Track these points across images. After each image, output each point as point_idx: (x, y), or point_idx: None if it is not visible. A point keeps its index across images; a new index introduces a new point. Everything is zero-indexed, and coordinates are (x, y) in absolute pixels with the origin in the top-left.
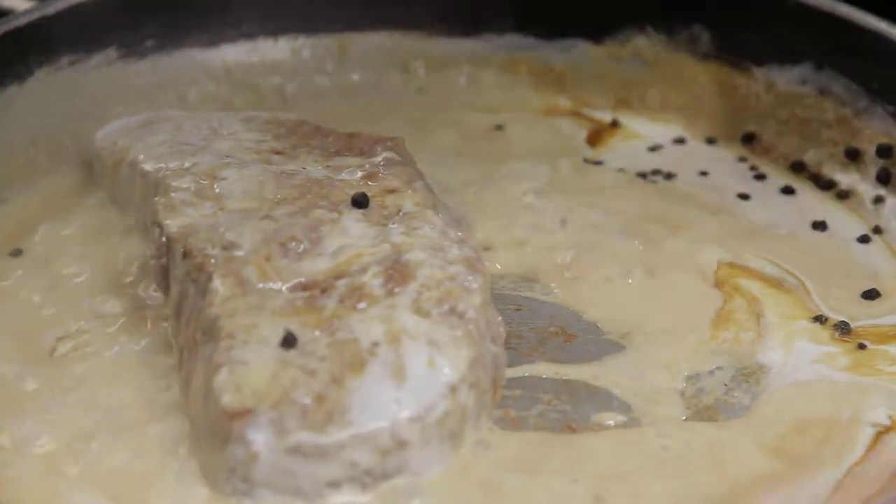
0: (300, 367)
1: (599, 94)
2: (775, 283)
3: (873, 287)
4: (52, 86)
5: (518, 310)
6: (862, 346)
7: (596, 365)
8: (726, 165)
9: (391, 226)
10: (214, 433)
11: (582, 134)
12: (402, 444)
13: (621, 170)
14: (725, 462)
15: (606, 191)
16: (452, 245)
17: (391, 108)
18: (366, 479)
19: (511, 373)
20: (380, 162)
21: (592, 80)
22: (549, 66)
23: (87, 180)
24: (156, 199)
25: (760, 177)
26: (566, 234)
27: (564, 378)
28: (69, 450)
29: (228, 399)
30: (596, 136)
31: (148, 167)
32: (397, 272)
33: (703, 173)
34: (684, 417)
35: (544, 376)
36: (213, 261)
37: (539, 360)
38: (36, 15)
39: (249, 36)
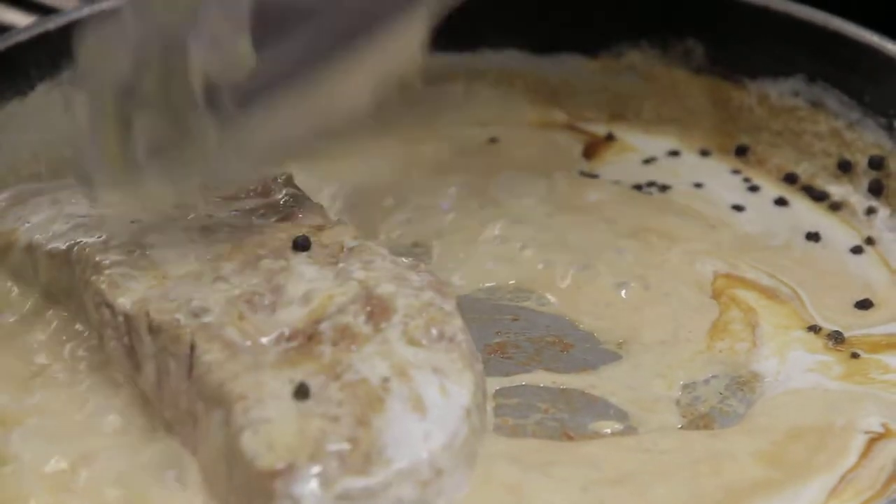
0: (322, 416)
1: (594, 108)
2: (771, 294)
3: (866, 297)
4: (54, 100)
5: (515, 320)
6: (855, 356)
7: (593, 374)
8: (720, 177)
9: (341, 264)
10: (251, 497)
11: (578, 147)
12: (438, 473)
13: (616, 182)
14: (721, 469)
15: (602, 203)
16: (409, 272)
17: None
18: None
19: (508, 381)
20: (284, 199)
21: (587, 94)
22: (545, 79)
23: None
24: (93, 278)
25: (754, 188)
26: (563, 246)
27: (561, 387)
28: None
29: (264, 459)
30: (592, 150)
31: (57, 246)
32: (377, 307)
33: (698, 185)
34: (680, 425)
35: (541, 385)
36: (188, 330)
37: (536, 369)
38: (37, 30)
39: None
